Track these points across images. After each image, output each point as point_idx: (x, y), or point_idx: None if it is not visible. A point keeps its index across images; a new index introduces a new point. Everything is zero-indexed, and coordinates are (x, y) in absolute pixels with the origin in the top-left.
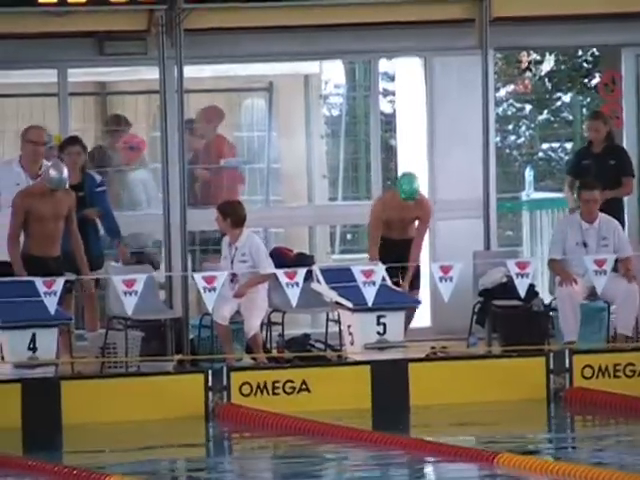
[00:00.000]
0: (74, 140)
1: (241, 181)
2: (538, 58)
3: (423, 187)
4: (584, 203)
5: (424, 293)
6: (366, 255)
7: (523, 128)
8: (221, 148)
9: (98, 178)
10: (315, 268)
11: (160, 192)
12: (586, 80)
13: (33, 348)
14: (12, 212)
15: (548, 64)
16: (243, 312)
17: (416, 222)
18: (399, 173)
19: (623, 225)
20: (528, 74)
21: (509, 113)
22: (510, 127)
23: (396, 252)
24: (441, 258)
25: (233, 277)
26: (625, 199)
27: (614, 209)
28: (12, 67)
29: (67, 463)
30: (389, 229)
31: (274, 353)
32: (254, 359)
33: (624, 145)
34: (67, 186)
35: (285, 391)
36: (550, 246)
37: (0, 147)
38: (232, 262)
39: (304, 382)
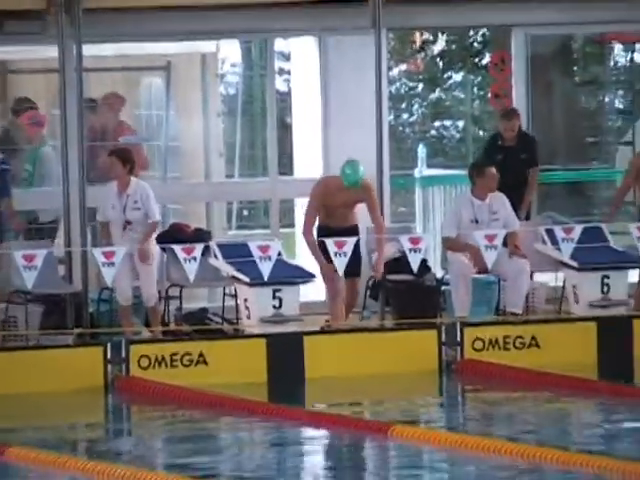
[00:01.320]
0: None
1: (143, 158)
2: (430, 38)
3: (317, 163)
4: (487, 179)
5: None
6: (263, 231)
7: (416, 106)
8: (122, 133)
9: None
10: (212, 244)
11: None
12: (477, 60)
13: None
14: None
15: (440, 44)
16: (141, 284)
17: (356, 207)
18: (294, 150)
19: None
20: (420, 54)
21: (402, 92)
22: (403, 105)
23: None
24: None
25: (127, 224)
26: None
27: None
28: None
29: None
30: (329, 216)
31: (172, 326)
32: (152, 332)
33: None
34: None
35: (183, 364)
36: (444, 225)
37: None
38: (124, 210)
39: (201, 354)
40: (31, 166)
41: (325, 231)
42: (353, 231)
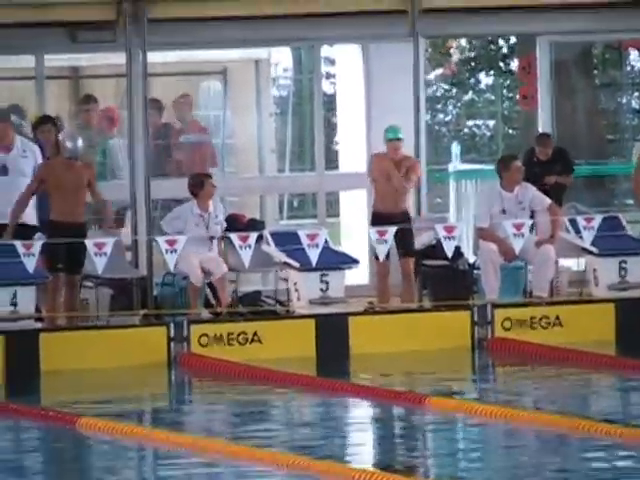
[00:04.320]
0: (46, 119)
1: (212, 156)
2: (463, 45)
3: (361, 159)
4: (514, 173)
5: (362, 253)
6: (311, 220)
7: (450, 107)
8: (195, 130)
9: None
10: (265, 232)
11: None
12: (505, 64)
13: (14, 303)
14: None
15: (471, 50)
16: (209, 266)
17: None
18: (340, 147)
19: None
20: (454, 59)
21: (438, 94)
22: (439, 106)
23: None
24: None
25: (211, 238)
26: None
27: (558, 193)
28: None
29: (44, 406)
30: (382, 200)
31: (230, 308)
32: (213, 313)
33: (539, 123)
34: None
35: (239, 342)
36: (476, 217)
37: None
38: (207, 227)
39: (256, 334)
40: (102, 157)
41: (377, 219)
42: (404, 217)
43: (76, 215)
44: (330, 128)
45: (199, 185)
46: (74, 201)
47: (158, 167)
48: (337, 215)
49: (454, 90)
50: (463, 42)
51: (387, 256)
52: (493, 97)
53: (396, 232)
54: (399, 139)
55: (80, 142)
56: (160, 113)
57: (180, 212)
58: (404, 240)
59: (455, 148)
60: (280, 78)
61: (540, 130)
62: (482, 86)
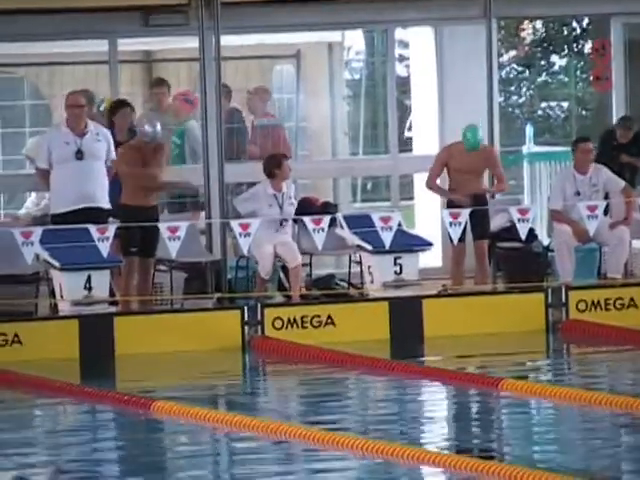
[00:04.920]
0: (123, 103)
1: (285, 143)
2: (535, 25)
3: (434, 141)
4: (581, 154)
5: (436, 236)
6: (385, 203)
7: (524, 89)
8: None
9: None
10: (339, 215)
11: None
12: (578, 46)
13: (89, 287)
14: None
15: (544, 32)
16: (283, 253)
17: (484, 176)
18: (413, 131)
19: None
20: (527, 41)
21: (511, 76)
22: (512, 88)
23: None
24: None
25: (284, 222)
26: None
27: (633, 172)
28: (68, 37)
29: (119, 390)
30: (456, 184)
31: (303, 291)
32: (287, 296)
33: (613, 105)
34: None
35: (313, 325)
36: (550, 198)
37: (59, 111)
38: (281, 207)
39: (329, 317)
40: (180, 139)
41: (452, 202)
42: (479, 199)
43: (149, 198)
44: (403, 111)
45: (277, 165)
46: (146, 185)
47: (229, 151)
48: (411, 198)
49: (527, 72)
50: (537, 24)
51: (461, 239)
52: (566, 79)
53: (471, 214)
54: (476, 147)
55: (159, 126)
56: (228, 98)
57: (253, 193)
58: (479, 223)
59: (529, 130)
60: (353, 61)
61: (615, 112)
62: (556, 68)
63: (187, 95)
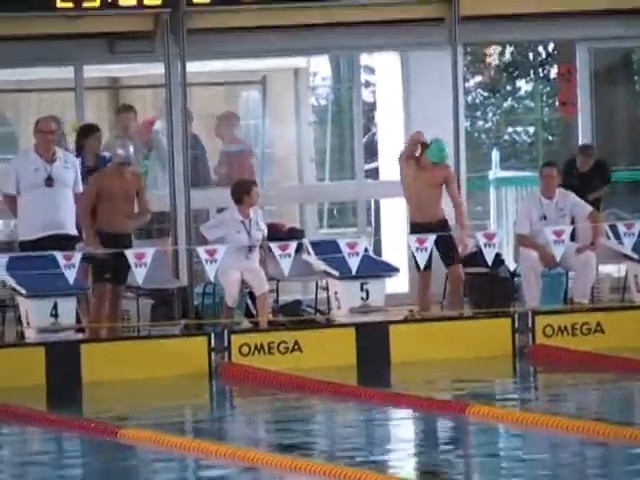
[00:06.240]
0: (94, 127)
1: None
2: (501, 51)
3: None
4: (544, 179)
5: (403, 262)
6: (351, 229)
7: (490, 114)
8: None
9: (108, 155)
10: (305, 241)
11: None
12: (544, 71)
13: (55, 315)
14: (84, 190)
15: (510, 57)
16: (250, 280)
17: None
18: (379, 156)
19: None
20: (493, 66)
21: (477, 101)
22: (478, 113)
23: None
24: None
25: (251, 247)
26: None
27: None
28: (34, 65)
29: (86, 417)
30: (419, 209)
31: (270, 317)
32: (254, 323)
33: (579, 129)
34: (133, 163)
35: (279, 351)
36: (517, 223)
37: (25, 137)
38: (249, 233)
39: (296, 342)
40: (149, 160)
41: (415, 228)
42: (442, 226)
43: (124, 225)
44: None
45: (246, 191)
46: (123, 211)
47: (194, 177)
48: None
49: (493, 97)
50: (501, 49)
51: (427, 265)
52: (532, 104)
53: (437, 241)
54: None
55: (132, 149)
56: (189, 123)
57: (220, 220)
58: (446, 249)
59: (495, 155)
60: (319, 87)
61: (580, 136)
62: (522, 93)
63: (148, 120)
